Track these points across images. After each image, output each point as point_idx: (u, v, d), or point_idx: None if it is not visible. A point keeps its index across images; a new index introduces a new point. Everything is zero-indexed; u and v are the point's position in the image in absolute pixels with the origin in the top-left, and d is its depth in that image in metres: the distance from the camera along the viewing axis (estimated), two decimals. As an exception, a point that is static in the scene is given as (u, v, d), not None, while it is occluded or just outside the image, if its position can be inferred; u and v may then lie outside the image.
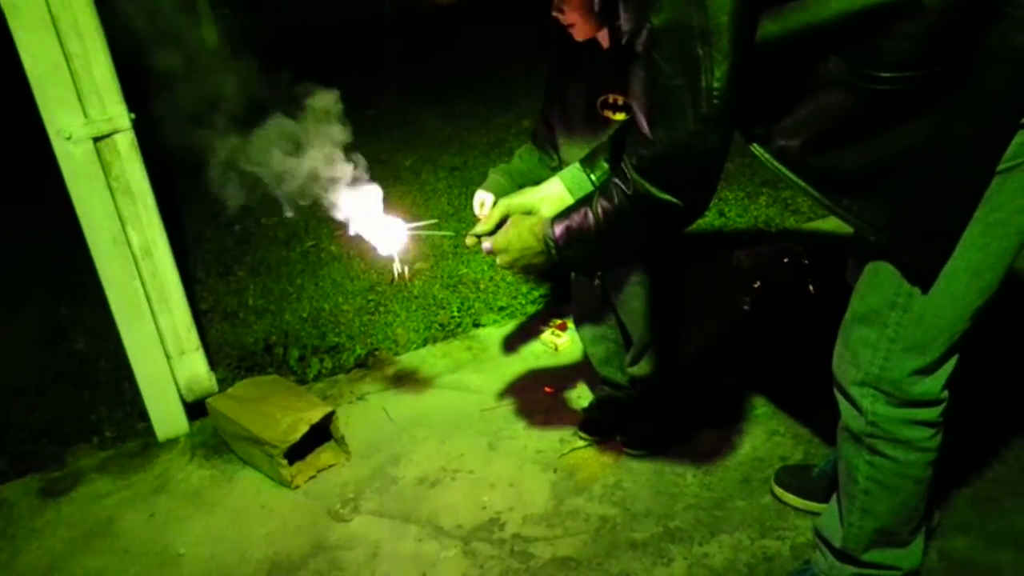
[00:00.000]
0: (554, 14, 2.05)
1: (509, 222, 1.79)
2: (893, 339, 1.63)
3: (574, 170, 1.87)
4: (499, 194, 2.24)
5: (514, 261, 1.75)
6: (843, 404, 1.77)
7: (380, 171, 2.31)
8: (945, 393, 1.69)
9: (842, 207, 1.55)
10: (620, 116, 2.10)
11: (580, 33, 2.07)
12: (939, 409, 1.70)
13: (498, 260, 1.77)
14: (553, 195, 1.85)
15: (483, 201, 2.29)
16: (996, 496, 2.23)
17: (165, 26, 2.28)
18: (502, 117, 5.79)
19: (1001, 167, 1.43)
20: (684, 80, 1.34)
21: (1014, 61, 1.33)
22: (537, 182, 1.93)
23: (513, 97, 6.20)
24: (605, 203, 1.55)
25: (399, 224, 2.02)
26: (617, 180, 1.53)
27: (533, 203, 1.84)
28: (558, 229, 1.65)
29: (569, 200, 1.80)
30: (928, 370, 1.64)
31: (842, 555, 1.90)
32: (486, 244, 1.79)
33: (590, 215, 1.58)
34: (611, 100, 2.11)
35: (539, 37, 2.86)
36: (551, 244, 1.66)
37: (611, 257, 1.74)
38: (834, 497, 1.93)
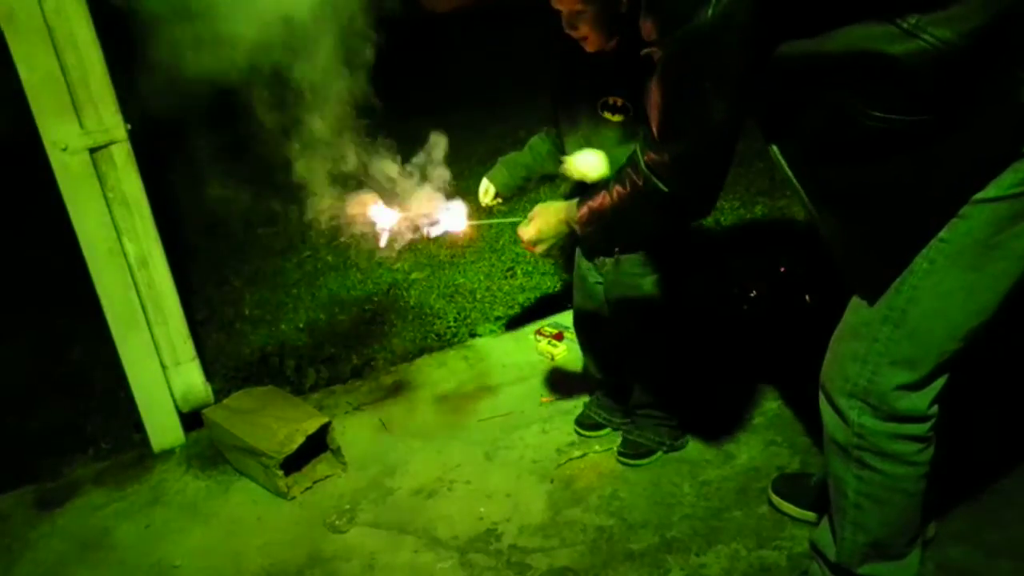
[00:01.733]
0: (567, 31, 2.09)
1: (536, 214, 2.06)
2: (882, 353, 1.64)
3: None
4: (498, 183, 2.37)
5: (549, 247, 2.08)
6: (830, 415, 1.77)
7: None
8: (934, 409, 1.69)
9: (821, 216, 1.63)
10: (617, 117, 2.15)
11: (592, 45, 2.11)
12: (927, 425, 1.69)
13: (537, 249, 2.08)
14: None
15: (487, 188, 2.41)
16: (993, 506, 2.23)
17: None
18: (499, 127, 5.79)
19: (1005, 193, 1.44)
20: (690, 107, 1.49)
21: (1013, 120, 1.37)
22: (542, 175, 2.33)
23: (511, 107, 6.20)
24: (620, 188, 1.77)
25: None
26: (630, 170, 1.72)
27: None
28: (582, 209, 1.91)
29: None
30: (916, 386, 1.65)
31: (838, 569, 1.89)
32: (523, 237, 2.09)
33: (607, 197, 1.82)
34: (611, 102, 2.15)
35: (538, 47, 2.86)
36: (574, 222, 1.92)
37: (622, 234, 2.02)
38: (828, 510, 1.93)
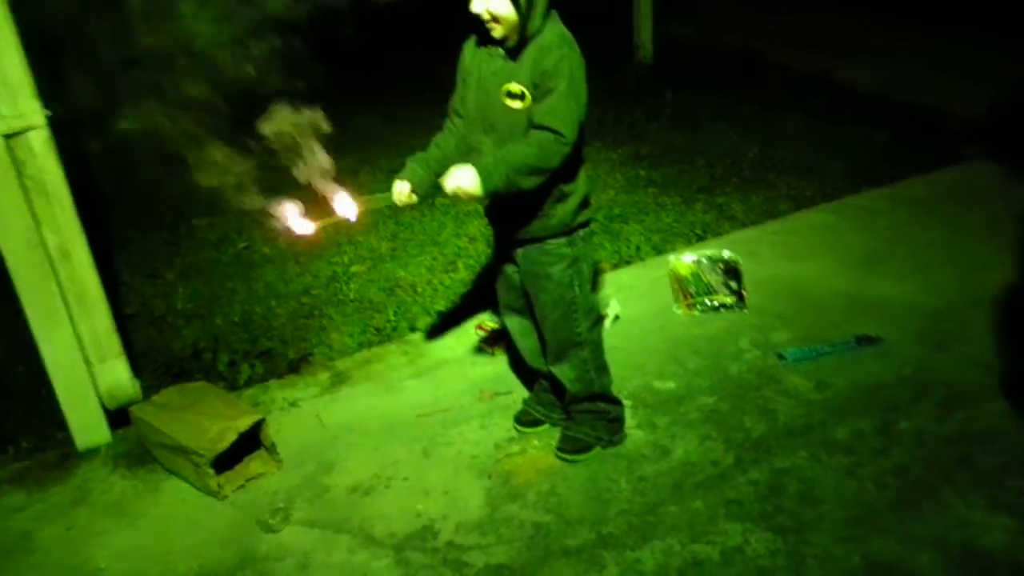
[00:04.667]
0: (476, 11, 2.11)
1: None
2: None
3: None
4: (415, 182, 2.27)
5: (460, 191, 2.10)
6: None
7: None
8: None
9: None
10: (516, 103, 2.16)
11: (499, 31, 2.13)
12: None
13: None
14: None
15: (401, 190, 2.30)
16: (915, 499, 2.29)
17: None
18: (438, 119, 5.72)
19: None
20: None
21: None
22: (450, 167, 2.16)
23: (449, 99, 6.13)
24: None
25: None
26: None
27: None
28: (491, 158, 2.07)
29: None
30: None
31: None
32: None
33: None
34: (512, 90, 2.17)
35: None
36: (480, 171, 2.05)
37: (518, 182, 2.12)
38: None
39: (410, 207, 2.31)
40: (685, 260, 3.64)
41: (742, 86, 6.29)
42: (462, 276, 3.78)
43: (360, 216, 2.25)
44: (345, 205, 2.23)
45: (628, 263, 3.81)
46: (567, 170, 2.20)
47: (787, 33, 7.89)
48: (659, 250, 3.90)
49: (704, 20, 8.40)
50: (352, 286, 3.77)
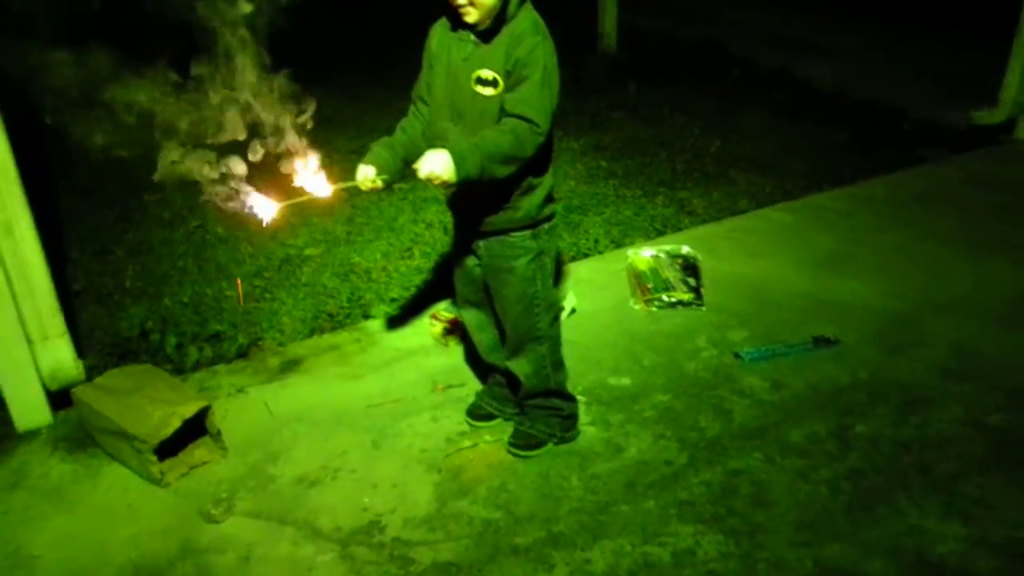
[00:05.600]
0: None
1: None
2: None
3: None
4: (381, 166, 2.18)
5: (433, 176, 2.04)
6: None
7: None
8: None
9: None
10: (488, 90, 2.11)
11: (474, 15, 2.07)
12: None
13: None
14: None
15: (367, 174, 2.20)
16: (869, 504, 2.30)
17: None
18: (402, 101, 5.62)
19: None
20: None
21: None
22: (417, 153, 2.09)
23: (415, 80, 6.02)
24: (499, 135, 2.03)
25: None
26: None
27: None
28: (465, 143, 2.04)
29: None
30: None
31: None
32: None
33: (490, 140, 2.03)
34: (484, 76, 2.11)
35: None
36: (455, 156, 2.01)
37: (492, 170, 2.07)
38: None
39: (375, 192, 2.24)
40: (644, 255, 3.63)
41: (705, 79, 6.29)
42: (418, 263, 3.73)
43: (325, 198, 2.19)
44: (311, 185, 2.18)
45: (586, 256, 3.79)
46: (537, 162, 2.16)
47: (752, 27, 7.92)
48: (618, 243, 3.88)
49: (669, 11, 8.39)
50: (305, 270, 3.69)
